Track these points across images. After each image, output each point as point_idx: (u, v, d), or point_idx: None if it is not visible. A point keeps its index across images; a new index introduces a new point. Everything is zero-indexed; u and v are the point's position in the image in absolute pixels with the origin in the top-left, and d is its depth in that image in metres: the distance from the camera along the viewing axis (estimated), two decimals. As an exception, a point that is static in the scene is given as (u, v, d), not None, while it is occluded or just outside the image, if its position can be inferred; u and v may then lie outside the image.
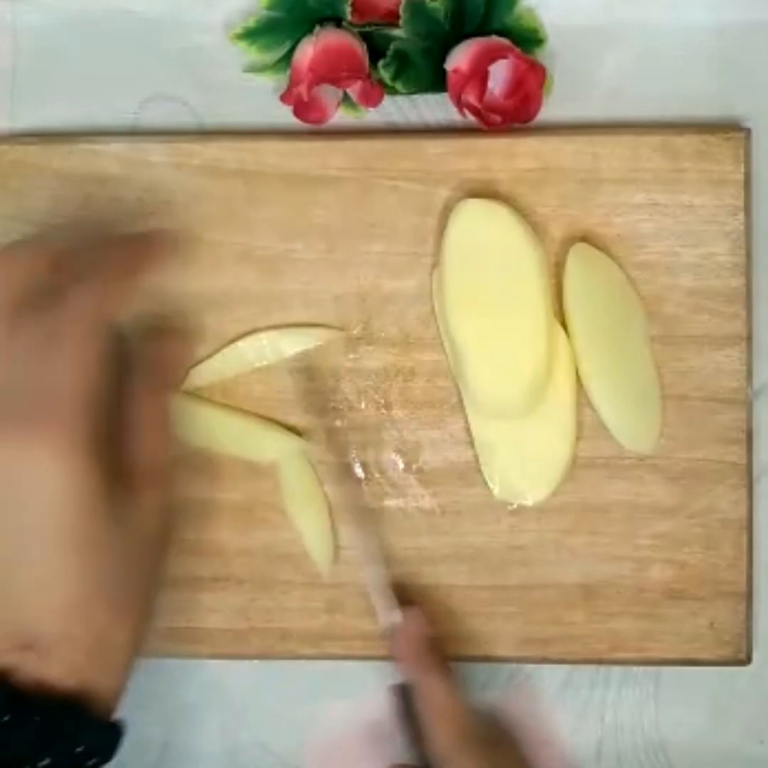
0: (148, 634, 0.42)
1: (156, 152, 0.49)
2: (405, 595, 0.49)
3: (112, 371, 0.39)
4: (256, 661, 0.51)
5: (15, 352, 0.39)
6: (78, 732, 0.38)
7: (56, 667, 0.39)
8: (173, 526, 0.44)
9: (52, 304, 0.39)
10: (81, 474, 0.37)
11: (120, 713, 0.41)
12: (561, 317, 0.48)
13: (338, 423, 0.49)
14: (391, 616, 0.47)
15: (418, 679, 0.46)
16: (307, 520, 0.49)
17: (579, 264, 0.48)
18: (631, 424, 0.48)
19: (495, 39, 0.48)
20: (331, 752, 0.52)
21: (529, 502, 0.48)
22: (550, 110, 0.49)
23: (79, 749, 0.38)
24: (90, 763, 0.39)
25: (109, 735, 0.40)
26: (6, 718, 0.37)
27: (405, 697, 0.47)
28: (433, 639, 0.47)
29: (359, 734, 0.52)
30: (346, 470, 0.49)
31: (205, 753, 0.52)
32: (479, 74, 0.46)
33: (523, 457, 0.48)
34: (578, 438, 0.49)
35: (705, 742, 0.51)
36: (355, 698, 0.51)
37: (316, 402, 0.49)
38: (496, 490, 0.49)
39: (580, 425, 0.49)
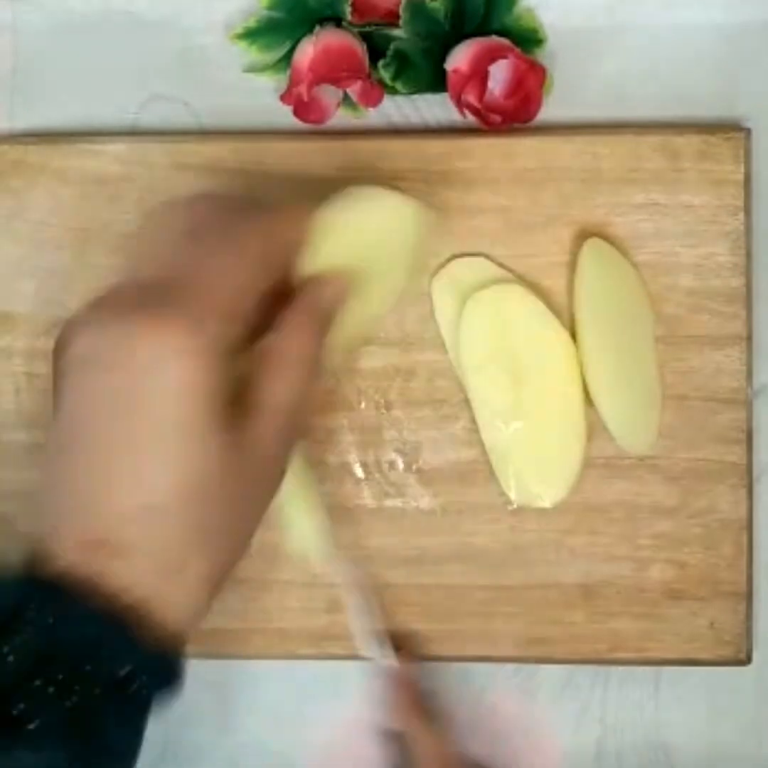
0: (230, 577, 0.39)
1: (156, 152, 0.49)
2: (404, 599, 0.49)
3: (262, 301, 0.39)
4: (256, 661, 0.51)
5: (185, 248, 0.39)
6: (126, 649, 0.35)
7: (124, 574, 0.35)
8: (284, 476, 0.41)
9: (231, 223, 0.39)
10: (204, 373, 0.36)
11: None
12: (568, 315, 0.48)
13: (338, 423, 0.49)
14: (384, 661, 0.48)
15: (411, 728, 0.47)
16: (302, 519, 0.49)
17: (592, 260, 0.48)
18: (630, 425, 0.48)
19: (495, 39, 0.48)
20: (331, 752, 0.52)
21: (547, 504, 0.48)
22: (550, 110, 0.49)
23: (123, 668, 0.35)
24: (133, 686, 0.35)
25: (162, 663, 0.36)
26: (50, 619, 0.34)
27: (398, 743, 0.48)
28: (417, 686, 0.48)
29: (359, 734, 0.52)
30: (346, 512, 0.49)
31: (205, 753, 0.52)
32: (479, 74, 0.46)
33: (538, 460, 0.48)
34: (590, 437, 0.48)
35: (705, 742, 0.51)
36: (355, 698, 0.51)
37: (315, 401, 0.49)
38: (512, 495, 0.48)
39: (580, 425, 0.49)
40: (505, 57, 0.47)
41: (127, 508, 0.36)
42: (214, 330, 0.36)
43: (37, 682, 0.34)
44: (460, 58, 0.47)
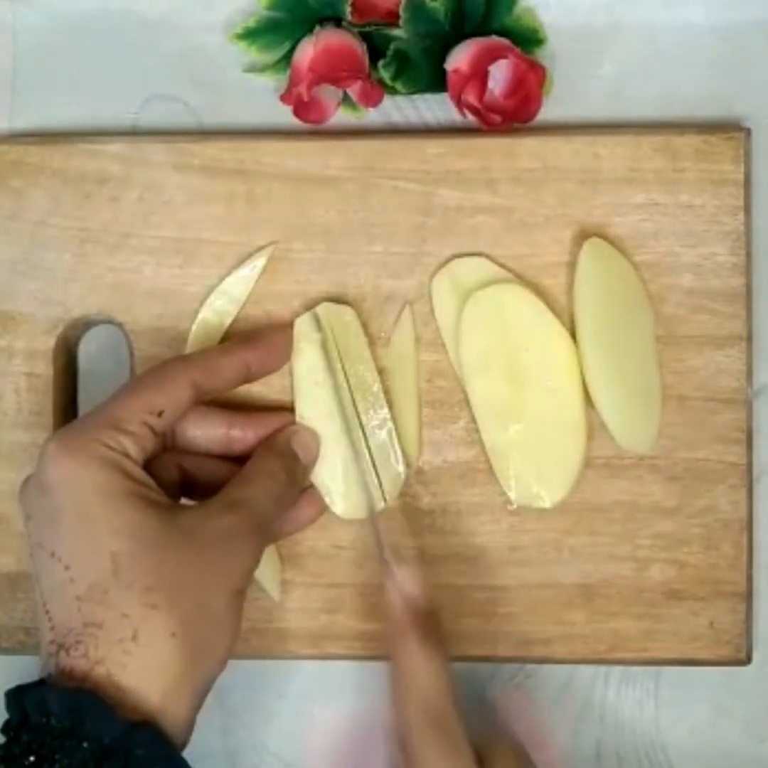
0: (212, 650, 0.40)
1: (156, 152, 0.49)
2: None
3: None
4: (256, 661, 0.51)
5: None
6: (97, 721, 0.37)
7: (83, 662, 0.38)
8: (249, 572, 0.43)
9: None
10: (110, 473, 0.41)
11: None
12: (568, 315, 0.48)
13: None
14: (386, 571, 0.45)
15: (394, 646, 0.44)
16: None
17: (592, 260, 0.48)
18: (630, 425, 0.48)
19: (495, 39, 0.48)
20: (331, 752, 0.52)
21: (546, 504, 0.48)
22: (550, 110, 0.49)
23: (106, 736, 0.37)
24: (121, 754, 0.37)
25: (139, 734, 0.38)
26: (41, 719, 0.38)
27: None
28: (428, 611, 0.44)
29: (359, 734, 0.52)
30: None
31: (205, 753, 0.52)
32: (479, 74, 0.46)
33: (538, 461, 0.48)
34: (590, 437, 0.48)
35: (705, 742, 0.51)
36: (355, 698, 0.51)
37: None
38: (512, 495, 0.48)
39: (580, 425, 0.49)
40: (505, 57, 0.47)
41: (68, 605, 0.39)
42: (99, 435, 0.41)
43: None
44: (460, 58, 0.47)
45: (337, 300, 0.49)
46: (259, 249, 0.49)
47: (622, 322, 0.48)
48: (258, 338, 0.48)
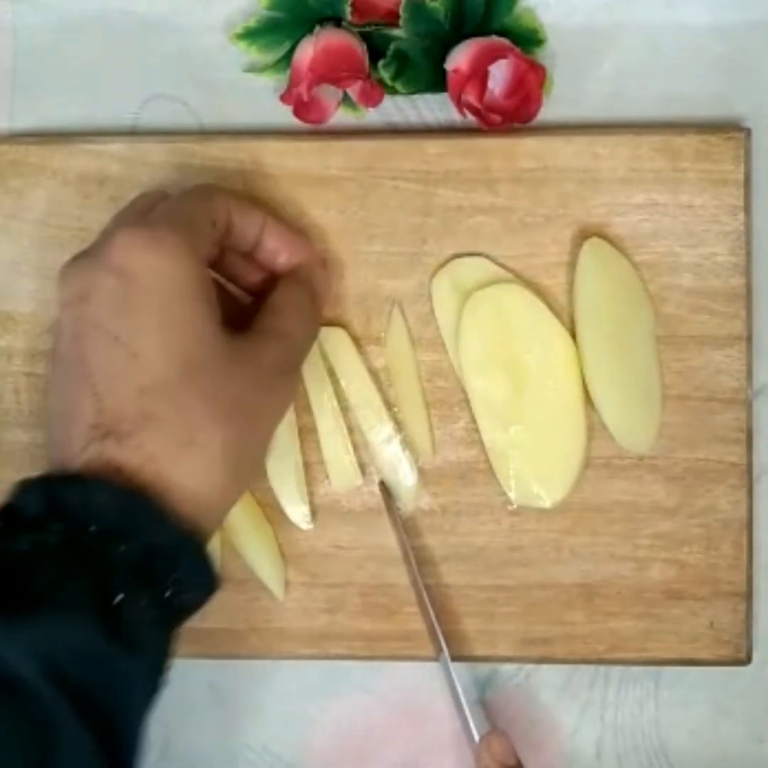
0: (250, 473, 0.42)
1: (156, 152, 0.49)
2: (404, 599, 0.49)
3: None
4: (256, 661, 0.51)
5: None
6: (150, 522, 0.37)
7: (135, 453, 0.38)
8: (288, 401, 0.45)
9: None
10: (184, 266, 0.40)
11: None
12: (568, 315, 0.48)
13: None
14: (477, 741, 0.47)
15: None
16: (256, 546, 0.49)
17: (592, 260, 0.48)
18: (630, 424, 0.48)
19: (495, 39, 0.48)
20: (331, 752, 0.52)
21: (547, 504, 0.48)
22: (550, 110, 0.49)
23: (148, 541, 0.37)
24: (159, 563, 0.37)
25: (186, 541, 0.38)
26: (75, 506, 0.37)
27: None
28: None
29: (359, 734, 0.52)
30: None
31: (205, 753, 0.52)
32: (479, 74, 0.46)
33: (538, 461, 0.48)
34: (590, 437, 0.49)
35: (705, 742, 0.51)
36: (355, 698, 0.51)
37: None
38: (512, 496, 0.48)
39: (580, 425, 0.49)
40: (505, 57, 0.47)
41: (128, 392, 0.39)
42: (184, 236, 0.41)
43: (63, 560, 0.36)
44: (460, 58, 0.47)
45: (337, 300, 0.49)
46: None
47: (622, 322, 0.48)
48: (278, 221, 0.47)
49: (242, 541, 0.49)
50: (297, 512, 0.49)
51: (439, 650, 0.48)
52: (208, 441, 0.39)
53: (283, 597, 0.49)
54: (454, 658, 0.49)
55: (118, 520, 0.37)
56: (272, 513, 0.49)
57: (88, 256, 0.42)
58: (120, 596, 0.36)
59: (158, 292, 0.40)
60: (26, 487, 0.38)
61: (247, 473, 0.43)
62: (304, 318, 0.45)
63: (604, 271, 0.48)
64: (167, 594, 0.38)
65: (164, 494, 0.38)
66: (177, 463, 0.38)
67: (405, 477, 0.49)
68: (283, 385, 0.43)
